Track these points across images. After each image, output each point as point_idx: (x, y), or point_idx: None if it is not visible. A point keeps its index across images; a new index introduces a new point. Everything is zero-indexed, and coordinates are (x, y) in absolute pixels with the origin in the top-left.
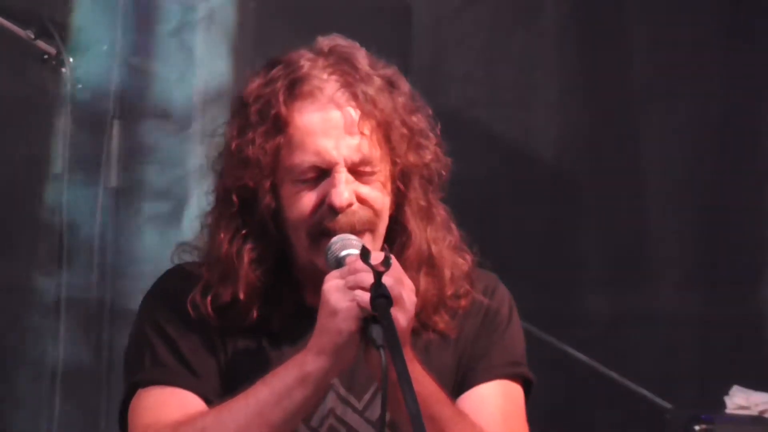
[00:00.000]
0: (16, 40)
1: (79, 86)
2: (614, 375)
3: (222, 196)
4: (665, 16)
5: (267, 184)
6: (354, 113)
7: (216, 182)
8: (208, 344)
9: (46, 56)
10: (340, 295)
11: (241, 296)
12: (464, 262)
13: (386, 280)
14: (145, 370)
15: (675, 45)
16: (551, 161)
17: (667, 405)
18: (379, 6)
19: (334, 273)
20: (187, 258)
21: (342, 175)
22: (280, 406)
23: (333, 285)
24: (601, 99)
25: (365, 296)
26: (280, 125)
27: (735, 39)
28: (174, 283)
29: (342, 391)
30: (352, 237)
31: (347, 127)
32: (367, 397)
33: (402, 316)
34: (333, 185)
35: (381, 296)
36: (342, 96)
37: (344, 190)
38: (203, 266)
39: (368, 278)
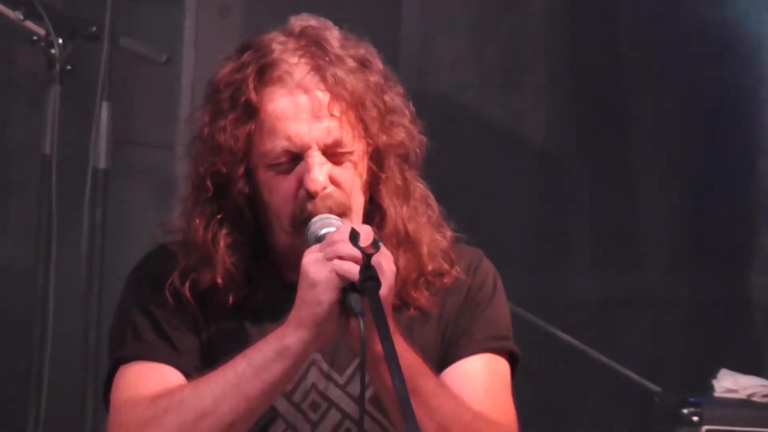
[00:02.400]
0: (4, 21)
1: (68, 67)
2: (602, 358)
3: (196, 182)
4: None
5: (240, 170)
6: (324, 96)
7: (190, 168)
8: (189, 323)
9: (35, 37)
10: (319, 266)
11: (219, 281)
12: (443, 238)
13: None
14: (126, 346)
15: (665, 27)
16: (540, 144)
17: (656, 388)
18: None
19: (314, 247)
20: (170, 238)
21: (315, 158)
22: (258, 379)
23: (312, 258)
24: (591, 81)
25: (343, 265)
26: (250, 111)
27: (726, 22)
28: (156, 263)
29: (324, 366)
30: (332, 216)
31: (317, 110)
32: (349, 372)
33: (383, 285)
34: (307, 170)
35: (370, 278)
36: (312, 79)
37: (318, 174)
38: (180, 250)
39: (346, 248)
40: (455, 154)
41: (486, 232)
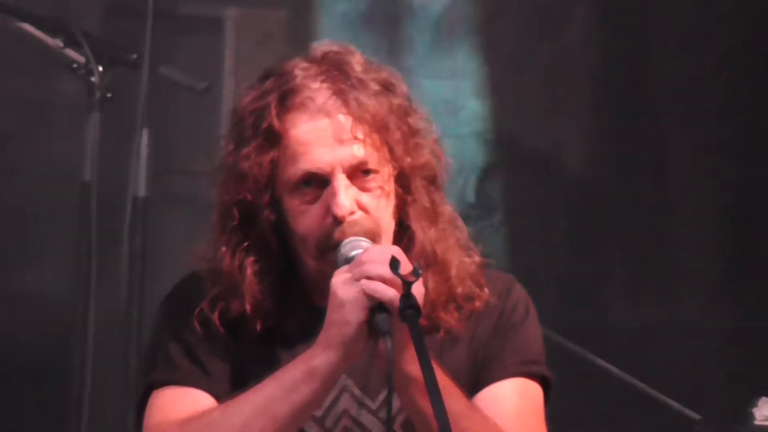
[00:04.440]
0: (44, 49)
1: (108, 95)
2: (642, 386)
3: (222, 210)
4: (693, 29)
5: (266, 197)
6: (346, 119)
7: (216, 196)
8: (221, 349)
9: (75, 65)
10: (347, 286)
11: (248, 309)
12: (471, 261)
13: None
14: (157, 371)
15: (703, 58)
16: (577, 172)
17: (695, 416)
18: (404, 15)
19: (343, 268)
20: (201, 265)
21: (340, 182)
22: (287, 400)
23: (340, 278)
24: (628, 110)
25: (371, 285)
26: (273, 138)
27: (762, 53)
28: (187, 291)
29: (356, 391)
30: (362, 238)
31: (340, 134)
32: (381, 397)
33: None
34: (333, 194)
35: (410, 307)
36: (334, 103)
37: (345, 199)
38: (209, 279)
39: (374, 268)
40: (490, 180)
41: (523, 259)
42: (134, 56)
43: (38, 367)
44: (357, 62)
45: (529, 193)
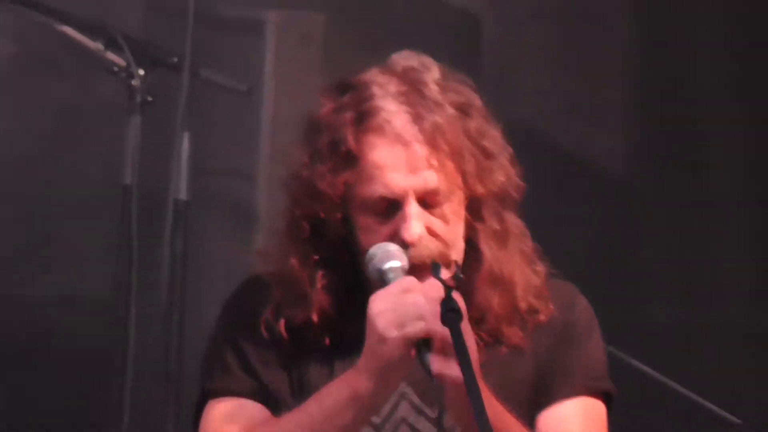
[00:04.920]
0: (85, 52)
1: (149, 98)
2: (682, 389)
3: (292, 222)
4: (736, 31)
5: (338, 215)
6: (422, 148)
7: (286, 204)
8: (280, 358)
9: (115, 68)
10: (388, 321)
11: (315, 320)
12: (537, 276)
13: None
14: (215, 380)
15: (745, 59)
16: (619, 174)
17: (737, 421)
18: (447, 19)
19: (380, 294)
20: (263, 267)
21: (412, 209)
22: (330, 424)
23: (379, 309)
24: (670, 112)
25: (415, 325)
26: (350, 160)
27: None
28: (250, 295)
29: (415, 399)
30: (392, 246)
31: (416, 162)
32: None
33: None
34: (404, 219)
35: (451, 310)
36: (411, 130)
37: (415, 224)
38: (275, 285)
39: (415, 305)
40: (532, 184)
41: (563, 262)
42: (175, 59)
43: (79, 369)
44: (434, 81)
45: (569, 195)
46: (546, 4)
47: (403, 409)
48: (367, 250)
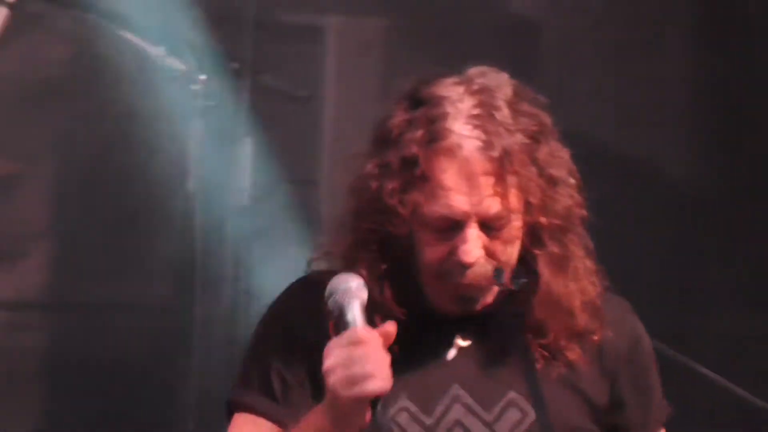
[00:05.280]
0: (147, 58)
1: (211, 103)
2: (746, 394)
3: (359, 234)
4: None
5: (405, 230)
6: (489, 177)
7: (351, 210)
8: (311, 370)
9: (177, 73)
10: (339, 380)
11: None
12: (594, 297)
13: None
14: (236, 391)
15: None
16: (680, 182)
17: None
18: (507, 25)
19: (332, 346)
20: (323, 265)
21: (473, 232)
22: None
23: (331, 366)
24: (731, 120)
25: (364, 389)
26: (419, 179)
27: None
28: (294, 301)
29: (469, 400)
30: (353, 281)
31: (481, 188)
32: (496, 410)
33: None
34: (464, 241)
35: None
36: (480, 157)
37: (473, 247)
38: None
39: (366, 366)
40: (592, 192)
41: (625, 270)
42: (236, 65)
43: (144, 375)
44: (507, 102)
45: (630, 204)
46: (606, 11)
47: (457, 411)
48: (427, 264)
